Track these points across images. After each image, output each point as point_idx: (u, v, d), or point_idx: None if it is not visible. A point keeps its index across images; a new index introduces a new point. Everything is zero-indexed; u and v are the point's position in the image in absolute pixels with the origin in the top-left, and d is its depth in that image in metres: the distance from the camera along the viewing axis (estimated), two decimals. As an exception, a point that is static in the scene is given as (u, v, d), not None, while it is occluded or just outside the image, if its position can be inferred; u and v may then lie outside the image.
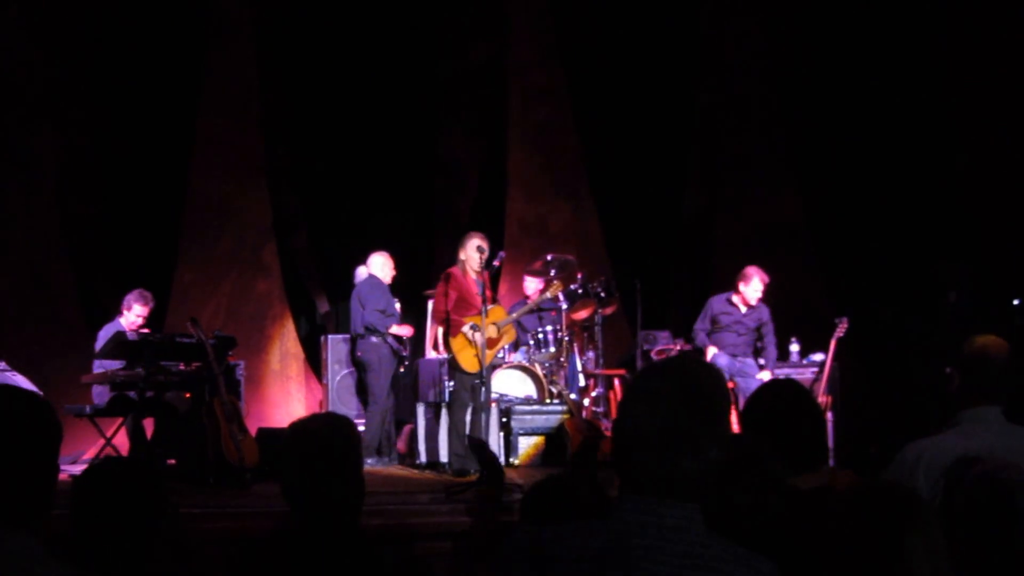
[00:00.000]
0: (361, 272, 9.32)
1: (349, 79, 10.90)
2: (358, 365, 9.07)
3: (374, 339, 8.82)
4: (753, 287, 8.74)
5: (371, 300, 8.84)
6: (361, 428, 9.30)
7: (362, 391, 9.50)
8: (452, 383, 7.96)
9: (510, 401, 8.76)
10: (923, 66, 9.53)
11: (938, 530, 1.91)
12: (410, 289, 9.93)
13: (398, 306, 9.17)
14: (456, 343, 7.67)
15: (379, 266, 9.11)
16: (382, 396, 8.83)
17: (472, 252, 7.71)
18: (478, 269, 7.73)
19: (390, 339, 8.88)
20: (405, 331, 8.96)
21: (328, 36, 10.86)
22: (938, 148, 9.48)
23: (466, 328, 7.61)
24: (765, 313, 8.90)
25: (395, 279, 9.12)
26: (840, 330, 8.60)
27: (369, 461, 8.43)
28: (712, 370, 1.95)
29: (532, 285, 9.59)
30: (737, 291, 8.84)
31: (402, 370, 9.15)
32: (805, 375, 8.84)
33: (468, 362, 7.65)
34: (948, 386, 3.41)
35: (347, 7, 10.84)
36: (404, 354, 9.21)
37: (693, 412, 1.82)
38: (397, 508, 6.07)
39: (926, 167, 9.49)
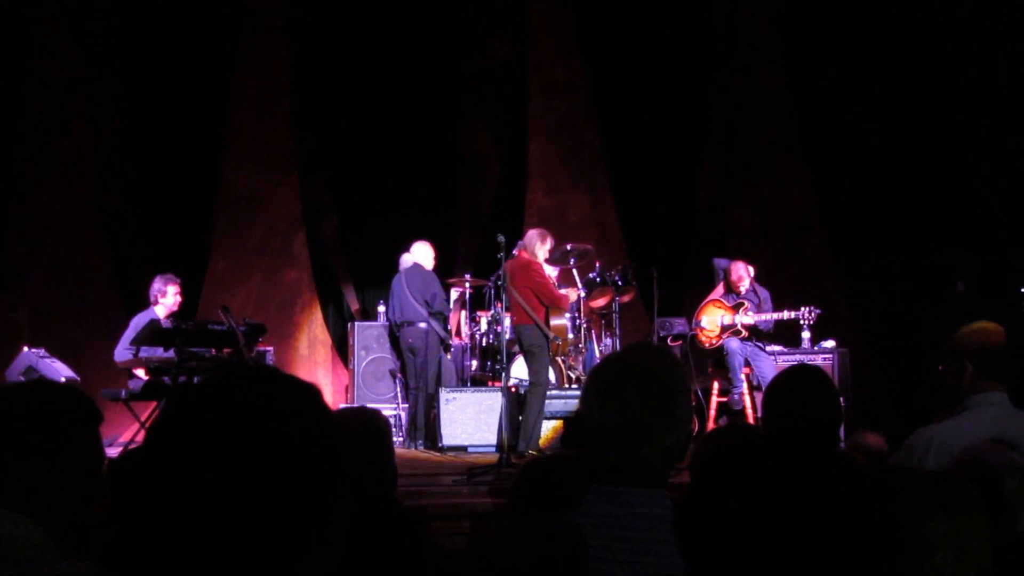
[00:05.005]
0: (406, 260, 9.43)
1: (376, 74, 10.99)
2: (411, 351, 9.14)
3: (423, 325, 8.98)
4: (737, 274, 9.08)
5: (431, 288, 9.04)
6: (389, 413, 9.58)
7: (391, 376, 9.79)
8: (534, 367, 8.17)
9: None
10: (932, 58, 9.55)
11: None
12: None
13: None
14: (558, 328, 8.11)
15: (424, 254, 9.30)
16: (431, 381, 9.00)
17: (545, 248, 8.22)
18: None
19: (438, 326, 9.07)
20: (454, 321, 9.21)
21: (356, 32, 10.98)
22: (947, 139, 9.53)
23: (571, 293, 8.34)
24: (764, 293, 9.12)
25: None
26: (808, 316, 8.84)
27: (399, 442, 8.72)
28: (664, 356, 1.95)
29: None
30: (731, 286, 9.15)
31: (448, 356, 9.33)
32: (816, 362, 9.01)
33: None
34: (945, 377, 3.44)
35: (374, 4, 10.99)
36: (450, 342, 9.40)
37: (646, 402, 1.84)
38: (420, 490, 6.26)
39: (935, 158, 9.52)
